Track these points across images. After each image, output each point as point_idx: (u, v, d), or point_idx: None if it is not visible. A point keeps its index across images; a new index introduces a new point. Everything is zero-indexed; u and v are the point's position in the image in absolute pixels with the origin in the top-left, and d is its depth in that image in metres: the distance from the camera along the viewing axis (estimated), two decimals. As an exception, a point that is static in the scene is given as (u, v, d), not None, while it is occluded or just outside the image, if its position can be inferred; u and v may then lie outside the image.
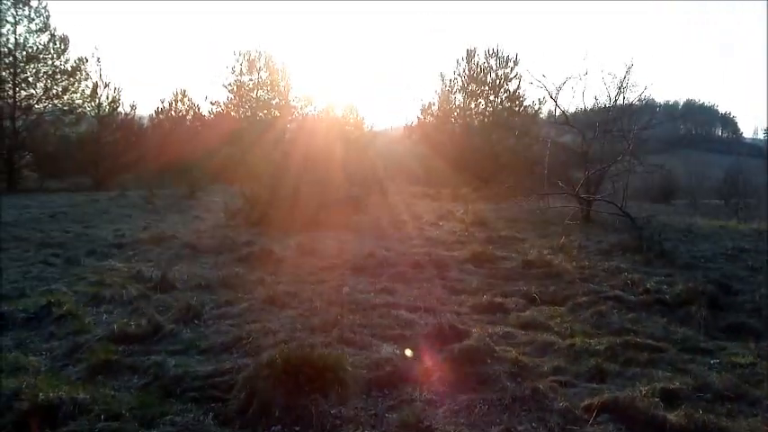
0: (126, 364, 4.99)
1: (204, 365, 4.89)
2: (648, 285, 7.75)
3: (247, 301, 7.04)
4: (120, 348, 5.37)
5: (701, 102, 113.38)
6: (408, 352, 5.13)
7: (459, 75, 36.44)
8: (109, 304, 7.01)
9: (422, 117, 37.91)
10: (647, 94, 22.84)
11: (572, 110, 19.30)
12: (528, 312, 6.71)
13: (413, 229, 13.90)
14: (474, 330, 5.59)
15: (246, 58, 35.00)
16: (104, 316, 6.55)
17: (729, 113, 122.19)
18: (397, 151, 37.10)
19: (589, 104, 18.70)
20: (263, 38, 66.96)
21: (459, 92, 36.75)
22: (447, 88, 36.84)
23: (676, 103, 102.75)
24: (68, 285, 7.87)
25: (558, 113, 18.90)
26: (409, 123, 38.19)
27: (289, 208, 13.65)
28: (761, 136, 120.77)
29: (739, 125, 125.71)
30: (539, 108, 34.54)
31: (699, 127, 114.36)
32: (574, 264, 9.49)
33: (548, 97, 19.70)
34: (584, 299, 7.20)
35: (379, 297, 7.24)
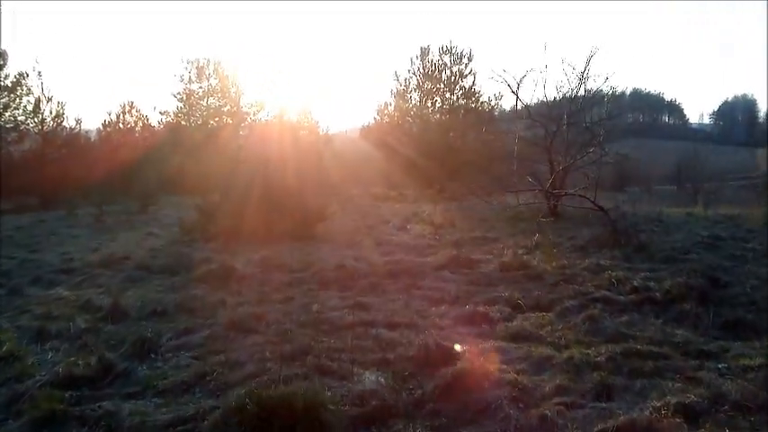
0: (73, 415, 4.33)
1: (163, 411, 4.28)
2: (635, 283, 7.39)
3: (209, 327, 6.42)
4: (66, 395, 4.69)
5: (647, 90, 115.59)
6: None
7: (413, 73, 36.12)
8: (55, 340, 6.30)
9: (378, 118, 37.47)
10: (611, 84, 22.61)
11: (533, 102, 19.03)
12: (515, 322, 6.26)
13: (380, 235, 13.39)
14: (463, 348, 5.10)
15: (195, 65, 34.08)
16: (50, 354, 5.85)
17: (675, 100, 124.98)
18: (355, 154, 36.57)
19: (551, 96, 18.38)
20: (211, 43, 65.56)
21: (415, 91, 36.40)
22: (402, 87, 36.48)
23: (623, 93, 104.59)
24: (11, 320, 7.11)
25: (519, 107, 18.61)
26: (366, 125, 37.72)
27: (247, 219, 12.96)
28: (707, 121, 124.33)
29: (685, 111, 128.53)
30: (496, 103, 34.45)
31: (645, 114, 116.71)
32: (553, 264, 9.10)
33: (506, 92, 19.44)
34: (571, 302, 6.79)
35: (354, 314, 6.70)
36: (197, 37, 61.27)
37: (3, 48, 27.65)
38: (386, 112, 37.22)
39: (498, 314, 6.58)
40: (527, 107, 18.26)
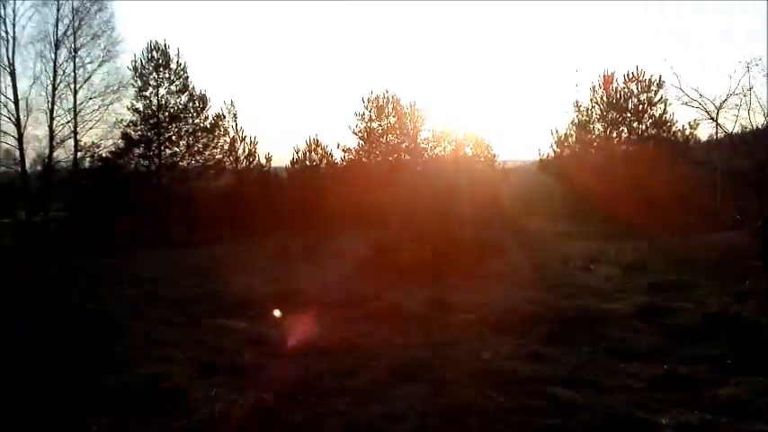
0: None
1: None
2: None
3: (372, 370, 6.04)
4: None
5: None
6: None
7: (596, 102, 34.21)
8: (222, 374, 6.29)
9: (557, 149, 35.87)
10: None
11: (736, 130, 16.87)
12: (727, 389, 5.13)
13: (560, 275, 12.36)
14: (664, 421, 4.18)
15: (375, 104, 35.10)
16: (214, 390, 5.80)
17: None
18: (532, 187, 35.25)
19: (759, 122, 16.15)
20: (390, 79, 67.97)
21: (598, 121, 34.43)
22: (584, 118, 34.67)
23: None
24: (185, 351, 7.28)
25: (719, 135, 16.60)
26: (544, 156, 36.28)
27: (419, 254, 12.64)
28: None
29: None
30: (691, 132, 31.45)
31: None
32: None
33: (703, 118, 17.42)
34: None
35: (528, 365, 5.96)
36: (376, 70, 63.50)
37: (203, 92, 30.45)
38: (566, 143, 35.55)
39: (703, 377, 5.48)
40: (729, 135, 16.23)
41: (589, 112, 34.57)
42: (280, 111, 63.05)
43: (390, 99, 35.31)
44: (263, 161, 32.15)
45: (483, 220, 16.22)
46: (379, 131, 35.56)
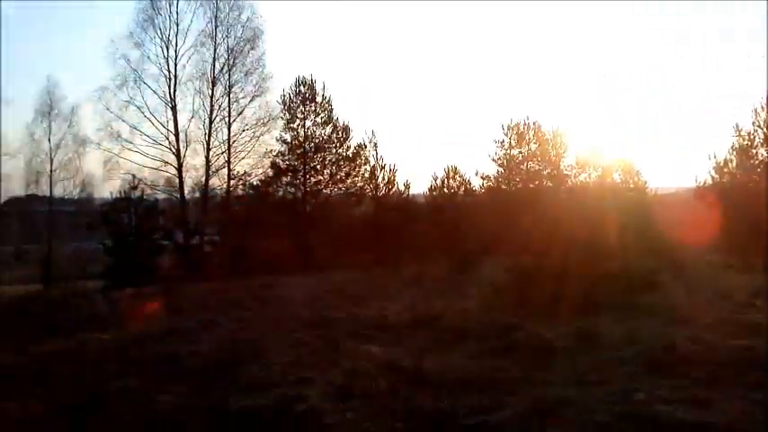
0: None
1: None
2: None
3: (510, 409, 5.67)
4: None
5: None
6: None
7: (759, 126, 31.27)
8: (357, 399, 6.22)
9: (716, 176, 33.11)
10: None
11: None
12: None
13: (721, 311, 11.18)
14: None
15: (515, 131, 34.44)
16: (348, 414, 5.73)
17: None
18: (688, 216, 32.73)
19: None
20: (530, 106, 66.79)
21: (762, 146, 31.44)
22: (745, 142, 31.79)
23: None
24: (323, 373, 7.30)
25: None
26: (701, 183, 33.62)
27: (562, 285, 11.99)
28: None
29: None
30: None
31: None
32: None
33: None
34: None
35: (687, 411, 5.31)
36: (516, 97, 62.44)
37: (346, 123, 31.42)
38: (725, 169, 32.74)
39: None
40: None
41: (751, 136, 31.72)
42: (418, 139, 63.90)
43: (531, 125, 34.56)
44: (402, 188, 32.55)
45: (633, 249, 15.15)
46: (519, 158, 34.83)
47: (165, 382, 7.32)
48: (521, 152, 34.83)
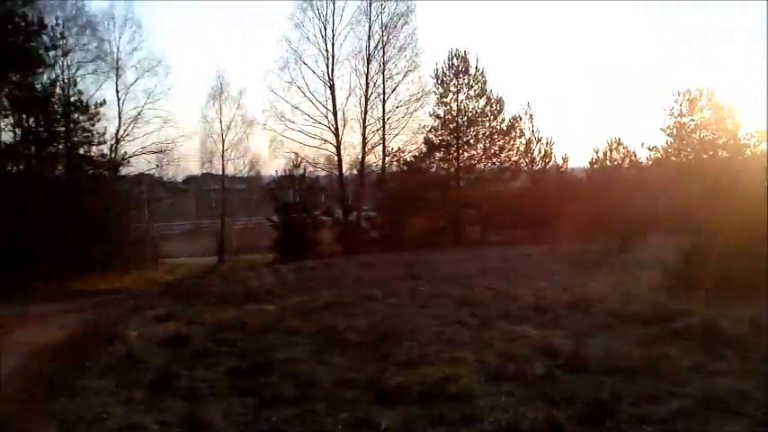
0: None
1: None
2: None
3: (678, 399, 5.25)
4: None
5: None
6: None
7: None
8: (511, 382, 6.07)
9: None
10: None
11: None
12: None
13: None
14: None
15: (687, 97, 31.70)
16: (502, 398, 5.59)
17: None
18: None
19: None
20: (704, 73, 61.62)
21: None
22: None
23: None
24: (475, 353, 7.19)
25: None
26: None
27: (739, 266, 10.86)
28: None
29: None
30: None
31: None
32: None
33: None
34: None
35: None
36: (685, 64, 57.39)
37: (500, 95, 30.75)
38: None
39: None
40: None
41: None
42: (577, 111, 61.24)
43: (704, 91, 31.65)
44: (560, 162, 31.36)
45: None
46: (692, 126, 32.11)
47: (325, 353, 7.59)
48: (693, 120, 32.12)
